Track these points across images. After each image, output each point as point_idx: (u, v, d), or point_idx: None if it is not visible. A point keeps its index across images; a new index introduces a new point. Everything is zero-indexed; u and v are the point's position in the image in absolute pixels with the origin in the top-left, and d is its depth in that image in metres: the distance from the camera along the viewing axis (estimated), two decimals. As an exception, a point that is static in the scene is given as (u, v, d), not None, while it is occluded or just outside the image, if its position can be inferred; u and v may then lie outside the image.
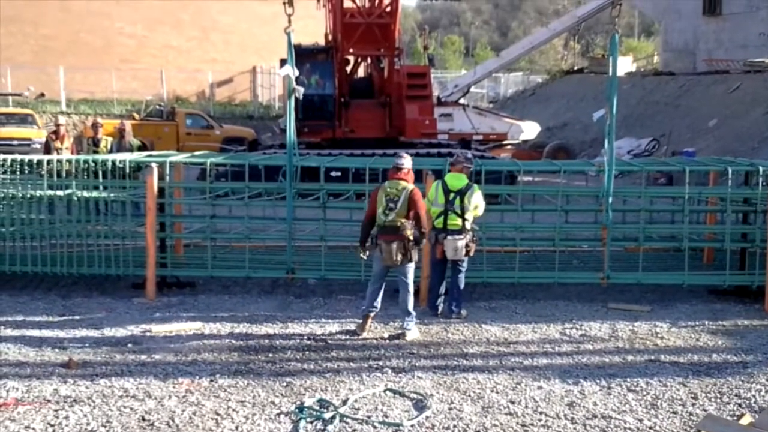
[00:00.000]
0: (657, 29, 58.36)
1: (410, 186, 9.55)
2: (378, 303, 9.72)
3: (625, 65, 43.58)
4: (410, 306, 9.64)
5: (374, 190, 9.83)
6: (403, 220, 9.41)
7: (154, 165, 11.28)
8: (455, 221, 10.20)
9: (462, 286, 10.50)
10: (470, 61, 70.91)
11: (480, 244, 11.44)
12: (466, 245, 10.24)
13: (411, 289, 9.70)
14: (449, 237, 10.15)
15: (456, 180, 10.36)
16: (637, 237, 11.76)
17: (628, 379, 8.17)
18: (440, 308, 10.56)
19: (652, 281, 11.66)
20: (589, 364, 8.71)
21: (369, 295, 9.74)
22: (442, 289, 10.64)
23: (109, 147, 16.14)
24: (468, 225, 10.29)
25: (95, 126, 16.83)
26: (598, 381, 8.12)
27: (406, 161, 9.73)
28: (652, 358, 8.91)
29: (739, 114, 28.45)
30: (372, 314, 9.73)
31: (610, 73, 11.11)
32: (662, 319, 10.46)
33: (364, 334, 9.61)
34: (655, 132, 30.65)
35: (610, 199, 11.17)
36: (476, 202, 10.33)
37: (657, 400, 7.62)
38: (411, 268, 9.66)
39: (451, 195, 10.22)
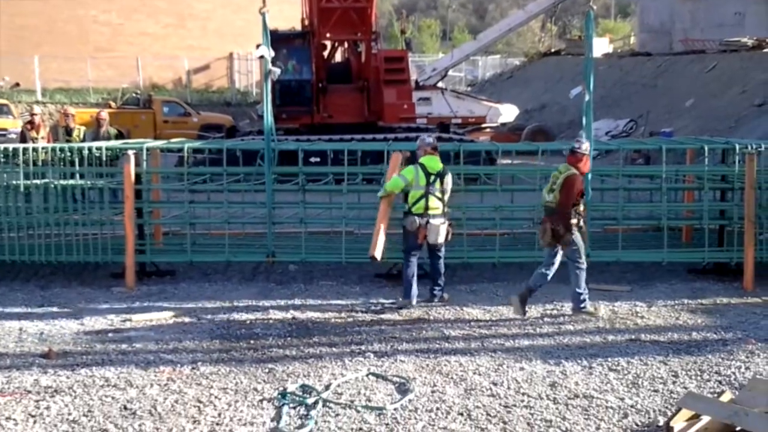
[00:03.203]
0: (633, 10, 58.50)
1: (570, 171, 9.59)
2: (537, 284, 9.79)
3: (601, 46, 43.62)
4: (580, 287, 9.71)
5: None
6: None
7: (131, 152, 11.21)
8: (436, 205, 10.07)
9: (443, 270, 10.44)
10: (447, 44, 70.80)
11: (460, 226, 11.47)
12: (447, 228, 10.19)
13: (579, 271, 9.72)
14: (431, 221, 10.01)
15: (434, 162, 10.19)
16: (616, 217, 11.82)
17: (609, 359, 8.21)
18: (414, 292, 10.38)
19: (632, 259, 11.72)
20: (570, 344, 8.75)
21: (534, 275, 9.85)
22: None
23: (82, 136, 15.98)
24: (446, 208, 10.24)
25: (66, 115, 16.70)
26: (579, 361, 8.16)
27: (579, 145, 9.77)
28: (633, 337, 8.96)
29: (716, 93, 28.56)
30: (530, 294, 9.80)
31: (586, 51, 11.12)
32: (642, 299, 10.51)
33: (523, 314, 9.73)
34: (632, 113, 30.72)
35: (589, 176, 11.19)
36: (451, 184, 10.31)
37: (638, 379, 7.66)
38: (574, 250, 9.67)
39: (432, 177, 10.06)
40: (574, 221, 9.52)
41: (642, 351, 8.49)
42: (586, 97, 11.12)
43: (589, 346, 8.69)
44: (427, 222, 9.99)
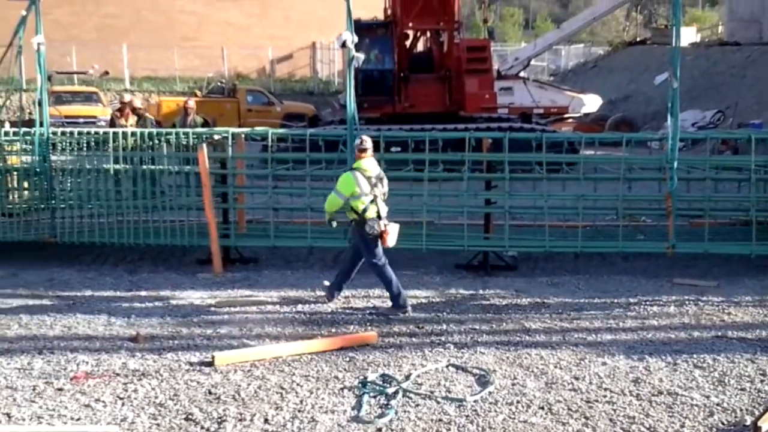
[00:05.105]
0: (722, -2, 56.98)
1: None
2: None
3: (689, 36, 42.64)
4: None
5: None
6: None
7: (204, 144, 11.51)
8: (384, 208, 9.62)
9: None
10: (530, 33, 70.08)
11: (541, 216, 11.42)
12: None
13: None
14: (392, 224, 9.56)
15: (372, 165, 9.70)
16: (703, 208, 11.59)
17: (695, 356, 8.06)
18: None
19: (720, 251, 11.46)
20: (654, 340, 8.61)
21: None
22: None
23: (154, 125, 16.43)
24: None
25: (133, 108, 17.20)
26: (663, 357, 8.02)
27: None
28: (719, 334, 8.77)
29: (808, 84, 27.75)
30: None
31: (674, 37, 10.89)
32: (729, 295, 10.28)
33: None
34: (720, 104, 30.02)
35: (675, 164, 10.97)
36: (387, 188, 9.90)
37: (724, 377, 7.51)
38: None
39: (373, 180, 9.54)
40: None
41: (729, 348, 8.30)
42: (674, 84, 10.89)
43: (674, 342, 8.54)
44: (385, 225, 9.51)
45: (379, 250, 9.64)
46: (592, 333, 8.83)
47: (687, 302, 9.96)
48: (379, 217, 9.48)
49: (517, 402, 6.90)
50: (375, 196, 9.48)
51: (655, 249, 11.56)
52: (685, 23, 40.13)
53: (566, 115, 28.08)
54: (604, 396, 7.05)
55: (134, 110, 17.01)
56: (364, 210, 9.44)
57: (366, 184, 9.43)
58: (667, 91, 11.31)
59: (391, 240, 9.56)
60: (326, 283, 10.17)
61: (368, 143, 9.67)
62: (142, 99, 18.15)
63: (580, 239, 11.46)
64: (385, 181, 9.77)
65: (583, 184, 11.73)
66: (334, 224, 9.93)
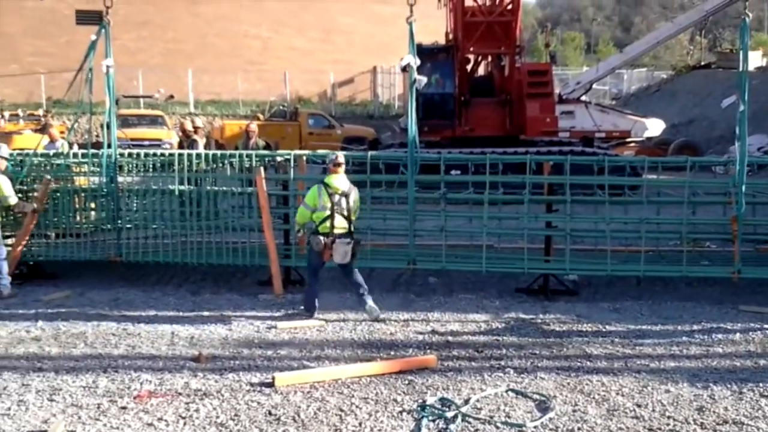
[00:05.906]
0: (789, 22, 56.06)
1: None
2: None
3: (754, 60, 41.94)
4: None
5: None
6: None
7: (261, 168, 11.68)
8: (342, 224, 10.12)
9: (360, 278, 10.44)
10: (592, 57, 69.68)
11: (603, 239, 11.28)
12: (353, 248, 10.18)
13: None
14: (338, 240, 10.03)
15: (338, 180, 10.20)
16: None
17: (761, 384, 7.89)
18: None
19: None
20: (719, 367, 8.45)
21: None
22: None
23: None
24: (353, 227, 10.28)
25: (183, 131, 17.60)
26: (728, 385, 7.87)
27: None
28: (787, 362, 8.59)
29: None
30: None
31: (741, 59, 10.75)
32: (797, 322, 10.06)
33: None
34: (787, 128, 29.48)
35: (743, 187, 10.78)
36: (358, 202, 10.45)
37: (792, 407, 7.34)
38: None
39: (336, 197, 10.10)
40: None
41: (796, 377, 8.12)
42: (741, 107, 10.73)
43: (740, 370, 8.37)
44: (333, 242, 10.02)
45: (319, 265, 10.35)
46: (655, 360, 8.70)
47: (753, 329, 9.76)
48: (330, 234, 10.02)
49: (578, 429, 6.82)
50: (334, 213, 10.05)
51: (720, 274, 11.36)
52: (750, 47, 39.56)
53: (628, 139, 27.78)
54: (668, 424, 6.93)
55: (184, 132, 17.39)
56: (320, 223, 10.11)
57: (326, 199, 10.08)
58: (732, 115, 11.17)
59: (336, 257, 10.08)
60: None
61: (342, 158, 10.42)
62: (191, 122, 18.52)
63: (642, 264, 11.32)
64: (353, 196, 10.30)
65: (646, 207, 11.61)
66: (300, 234, 10.83)
